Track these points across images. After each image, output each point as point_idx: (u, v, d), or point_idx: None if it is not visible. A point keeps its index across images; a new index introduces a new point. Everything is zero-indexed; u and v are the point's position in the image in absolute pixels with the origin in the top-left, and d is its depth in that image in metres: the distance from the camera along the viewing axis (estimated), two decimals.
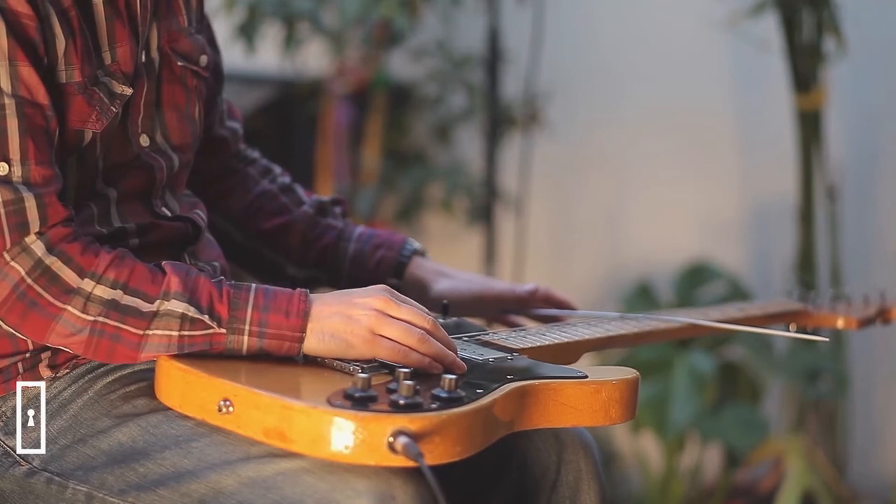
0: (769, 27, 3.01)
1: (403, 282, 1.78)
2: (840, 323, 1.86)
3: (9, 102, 1.37)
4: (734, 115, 3.43)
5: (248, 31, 3.07)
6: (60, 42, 1.42)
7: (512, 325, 1.79)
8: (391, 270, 1.78)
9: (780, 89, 3.08)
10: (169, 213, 1.57)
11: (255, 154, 1.83)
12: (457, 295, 1.76)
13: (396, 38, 3.30)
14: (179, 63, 1.57)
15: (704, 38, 3.27)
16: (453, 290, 1.76)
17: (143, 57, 1.53)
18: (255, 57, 3.12)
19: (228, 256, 1.75)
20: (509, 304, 1.78)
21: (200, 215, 1.62)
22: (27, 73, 1.38)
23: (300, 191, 1.83)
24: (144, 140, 1.54)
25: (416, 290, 1.77)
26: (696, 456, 3.19)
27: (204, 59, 1.61)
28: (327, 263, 1.79)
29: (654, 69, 3.48)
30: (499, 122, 3.32)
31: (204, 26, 1.68)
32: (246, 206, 1.79)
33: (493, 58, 3.26)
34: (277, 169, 1.84)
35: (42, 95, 1.39)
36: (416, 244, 1.81)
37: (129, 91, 1.49)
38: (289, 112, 3.44)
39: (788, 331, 1.88)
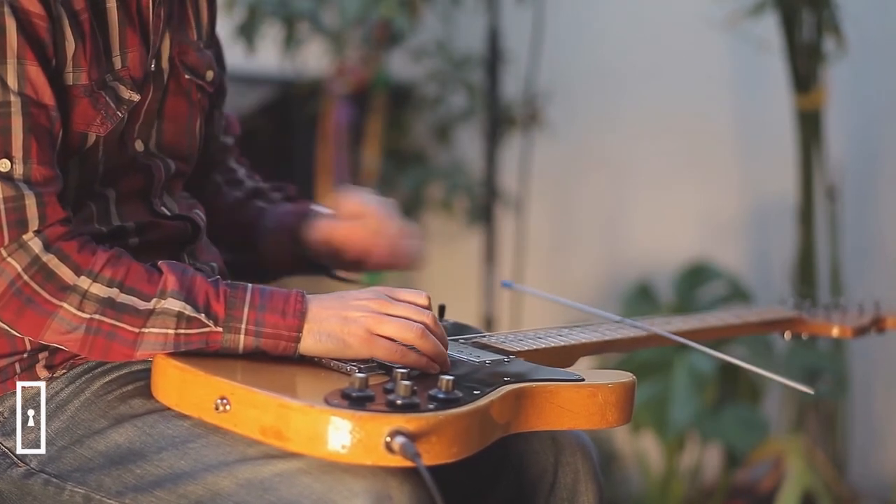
0: (769, 27, 3.01)
1: (307, 244, 1.71)
2: (835, 332, 1.87)
3: (14, 100, 1.38)
4: (734, 115, 3.43)
5: (248, 31, 3.08)
6: (70, 44, 1.42)
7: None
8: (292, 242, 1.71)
9: (780, 89, 3.08)
10: (168, 213, 1.57)
11: (233, 164, 1.79)
12: (312, 241, 1.70)
13: (396, 38, 3.30)
14: (187, 76, 1.58)
15: (704, 38, 3.27)
16: (313, 239, 1.70)
17: (153, 65, 1.53)
18: (255, 57, 3.13)
19: None
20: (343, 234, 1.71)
21: (200, 215, 1.62)
22: (34, 72, 1.39)
23: (250, 183, 1.78)
24: (139, 146, 1.54)
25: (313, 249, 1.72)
26: (696, 456, 3.19)
27: (210, 75, 1.62)
28: (249, 241, 1.73)
29: (654, 69, 3.48)
30: (499, 122, 3.32)
31: (213, 43, 1.69)
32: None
33: (493, 58, 3.26)
34: (242, 172, 1.79)
35: (48, 96, 1.40)
36: (321, 208, 1.73)
37: (136, 97, 1.50)
38: (289, 112, 3.44)
39: (783, 338, 1.90)
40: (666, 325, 1.73)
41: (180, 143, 1.59)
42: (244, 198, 1.77)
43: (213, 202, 1.73)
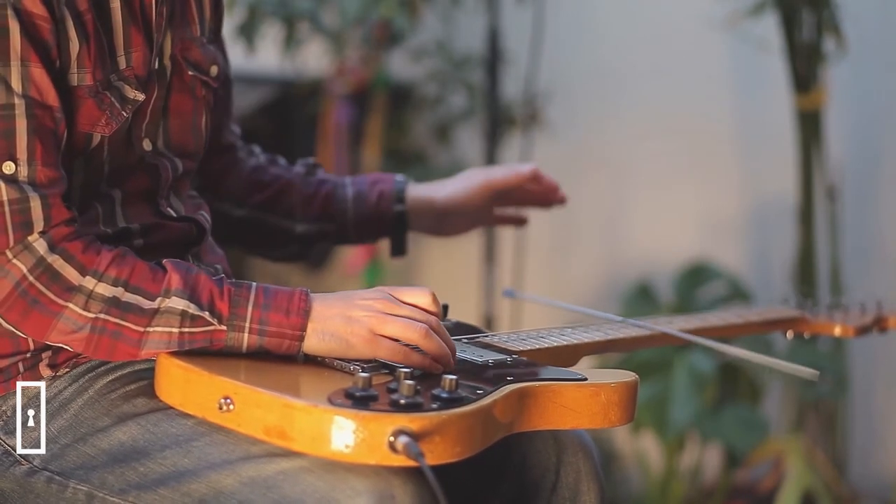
0: (769, 27, 3.01)
1: (407, 205, 1.82)
2: (837, 331, 1.87)
3: (19, 102, 1.38)
4: (734, 115, 3.44)
5: (248, 31, 3.07)
6: (74, 45, 1.42)
7: (515, 221, 1.89)
8: (393, 198, 1.82)
9: (780, 89, 3.08)
10: (174, 214, 1.57)
11: (239, 141, 1.85)
12: (463, 192, 1.81)
13: (396, 38, 3.30)
14: (190, 72, 1.58)
15: (704, 38, 3.27)
16: (459, 190, 1.82)
17: (156, 64, 1.53)
18: (255, 57, 3.12)
19: (232, 236, 1.79)
20: (515, 184, 1.83)
21: (205, 216, 1.63)
22: (39, 74, 1.39)
23: (283, 160, 1.87)
24: (147, 145, 1.54)
25: (423, 208, 1.83)
26: (696, 456, 3.19)
27: (215, 70, 1.62)
28: (331, 211, 1.82)
29: (654, 69, 3.48)
30: (499, 122, 3.32)
31: (218, 38, 1.69)
32: (242, 182, 1.81)
33: (493, 58, 3.26)
34: (257, 148, 1.87)
35: (52, 97, 1.40)
36: (404, 176, 1.86)
37: (141, 97, 1.50)
38: (289, 112, 3.44)
39: (785, 337, 1.90)
40: (668, 325, 1.74)
41: (187, 140, 1.59)
42: (305, 173, 1.85)
43: (259, 178, 1.81)
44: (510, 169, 1.85)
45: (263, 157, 1.85)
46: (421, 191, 1.84)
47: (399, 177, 1.85)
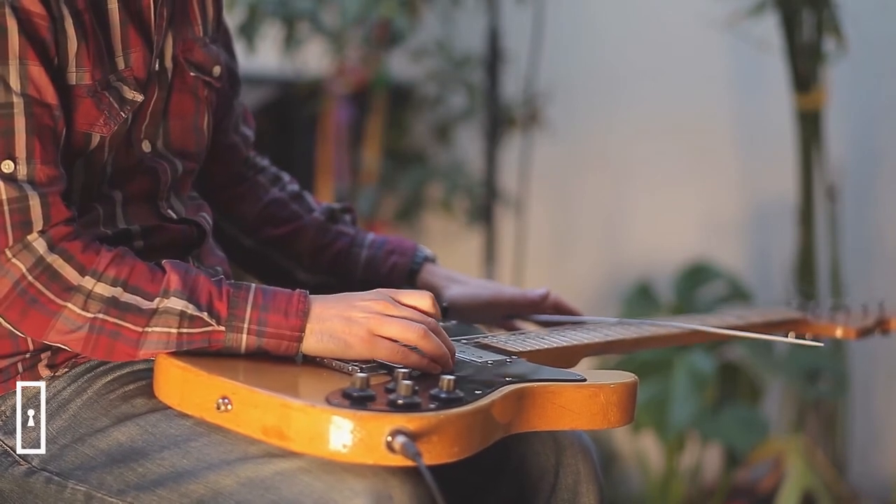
0: (769, 27, 3.01)
1: (416, 288, 1.77)
2: (839, 333, 1.86)
3: (17, 101, 1.38)
4: (734, 115, 3.44)
5: (248, 31, 3.07)
6: (73, 44, 1.42)
7: (515, 330, 1.80)
8: (404, 276, 1.78)
9: (780, 89, 3.08)
10: (175, 216, 1.57)
11: (265, 162, 1.83)
12: (468, 300, 1.76)
13: (396, 38, 3.30)
14: (192, 73, 1.58)
15: (704, 38, 3.27)
16: (464, 295, 1.77)
17: (157, 65, 1.53)
18: (255, 57, 3.12)
19: (237, 261, 1.76)
20: (520, 309, 1.79)
21: (206, 218, 1.62)
22: (37, 72, 1.39)
23: (310, 198, 1.83)
24: (146, 146, 1.54)
25: None
26: (696, 456, 3.19)
27: (217, 70, 1.62)
28: (339, 269, 1.79)
29: (654, 69, 3.48)
30: (499, 122, 3.32)
31: (220, 33, 1.69)
32: (256, 213, 1.78)
33: (493, 58, 3.26)
34: (287, 177, 1.84)
35: (51, 96, 1.40)
36: (428, 251, 1.81)
37: (139, 98, 1.50)
38: (289, 112, 3.44)
39: (786, 338, 1.89)
40: (669, 324, 1.73)
41: (188, 141, 1.59)
42: (325, 221, 1.80)
43: (274, 213, 1.78)
44: (521, 292, 1.80)
45: (290, 189, 1.81)
46: (432, 278, 1.78)
47: (421, 253, 1.80)
